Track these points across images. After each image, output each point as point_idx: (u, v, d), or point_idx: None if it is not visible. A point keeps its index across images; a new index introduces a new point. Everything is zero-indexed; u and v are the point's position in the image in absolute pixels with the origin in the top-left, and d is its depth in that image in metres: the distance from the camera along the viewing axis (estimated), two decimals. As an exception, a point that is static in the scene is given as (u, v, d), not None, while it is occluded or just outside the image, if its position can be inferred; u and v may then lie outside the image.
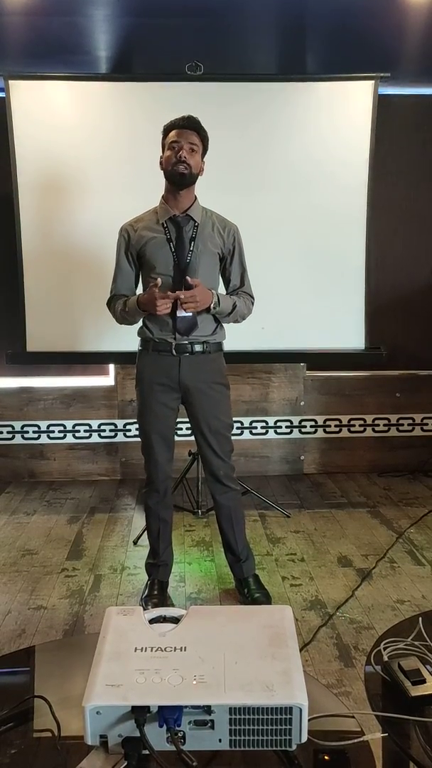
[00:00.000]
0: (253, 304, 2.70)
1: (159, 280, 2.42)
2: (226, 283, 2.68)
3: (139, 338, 2.64)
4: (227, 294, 2.64)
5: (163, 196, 2.58)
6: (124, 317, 2.61)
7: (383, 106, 3.72)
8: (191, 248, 2.52)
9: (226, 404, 2.69)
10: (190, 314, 2.49)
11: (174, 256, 2.51)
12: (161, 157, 2.52)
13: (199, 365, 2.58)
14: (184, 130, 2.47)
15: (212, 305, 2.48)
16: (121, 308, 2.59)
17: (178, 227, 2.53)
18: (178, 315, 2.49)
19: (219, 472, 2.66)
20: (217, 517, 2.73)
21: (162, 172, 2.53)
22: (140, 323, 2.62)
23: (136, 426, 2.74)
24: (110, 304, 2.67)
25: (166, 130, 2.51)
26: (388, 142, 3.98)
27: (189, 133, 2.47)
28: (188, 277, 2.44)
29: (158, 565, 2.72)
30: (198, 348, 2.56)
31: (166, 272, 2.50)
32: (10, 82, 3.52)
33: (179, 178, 2.46)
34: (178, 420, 2.69)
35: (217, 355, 2.65)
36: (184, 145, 2.44)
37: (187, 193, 2.53)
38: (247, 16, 3.22)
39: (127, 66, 3.86)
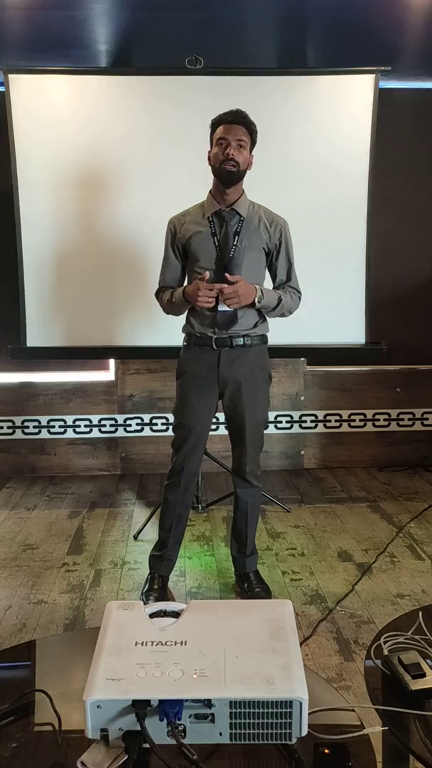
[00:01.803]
0: (300, 299, 2.66)
1: (207, 273, 2.42)
2: (273, 278, 2.66)
3: (184, 333, 2.65)
4: (273, 289, 2.62)
5: (210, 191, 2.56)
6: (170, 307, 2.62)
7: (384, 99, 3.71)
8: (235, 243, 2.50)
9: (264, 400, 2.68)
10: (231, 309, 2.48)
11: (218, 250, 2.50)
12: (209, 152, 2.50)
13: (240, 359, 2.57)
14: (232, 125, 2.44)
15: (256, 300, 2.47)
16: (168, 298, 2.60)
17: (223, 222, 2.52)
18: (219, 309, 2.48)
19: (246, 468, 2.66)
20: (234, 509, 2.74)
21: (209, 167, 2.51)
22: (185, 319, 2.63)
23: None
24: (158, 294, 2.69)
25: (214, 125, 2.48)
26: (388, 136, 3.97)
27: (236, 129, 2.44)
28: (227, 275, 2.42)
29: (163, 559, 2.72)
30: (238, 342, 2.55)
31: (209, 266, 2.49)
32: (10, 76, 3.51)
33: (227, 175, 2.44)
34: None
35: (259, 348, 2.62)
36: (231, 143, 2.42)
37: (234, 189, 2.51)
38: (247, 9, 3.21)
39: (127, 60, 3.84)
